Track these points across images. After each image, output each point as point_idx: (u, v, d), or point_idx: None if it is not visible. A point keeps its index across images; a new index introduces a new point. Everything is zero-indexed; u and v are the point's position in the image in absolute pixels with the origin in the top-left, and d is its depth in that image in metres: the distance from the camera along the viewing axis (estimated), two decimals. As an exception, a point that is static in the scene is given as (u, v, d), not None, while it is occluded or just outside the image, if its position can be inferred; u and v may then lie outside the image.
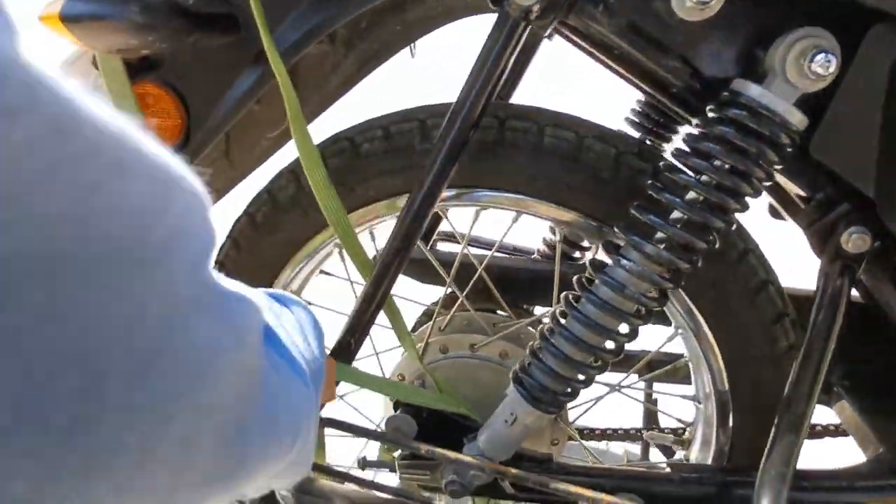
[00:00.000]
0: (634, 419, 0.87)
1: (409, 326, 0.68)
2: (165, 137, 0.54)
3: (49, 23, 0.41)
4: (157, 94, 0.53)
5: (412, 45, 0.68)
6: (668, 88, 0.46)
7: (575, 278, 0.51)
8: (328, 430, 0.56)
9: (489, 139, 0.54)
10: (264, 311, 0.28)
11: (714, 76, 0.43)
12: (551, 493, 0.52)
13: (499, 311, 0.72)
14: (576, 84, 2.06)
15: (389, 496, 0.57)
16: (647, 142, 0.71)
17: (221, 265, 0.67)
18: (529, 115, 0.54)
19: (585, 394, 0.56)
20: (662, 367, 0.72)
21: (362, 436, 0.53)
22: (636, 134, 0.72)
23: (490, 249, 0.69)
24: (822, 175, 0.44)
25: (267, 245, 0.65)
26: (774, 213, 0.60)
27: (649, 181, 0.47)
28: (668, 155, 0.53)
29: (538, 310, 0.77)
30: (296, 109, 0.48)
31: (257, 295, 0.28)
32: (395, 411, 0.58)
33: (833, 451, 0.78)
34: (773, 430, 0.50)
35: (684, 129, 0.71)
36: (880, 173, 0.40)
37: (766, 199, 0.60)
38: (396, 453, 0.62)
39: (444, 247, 0.88)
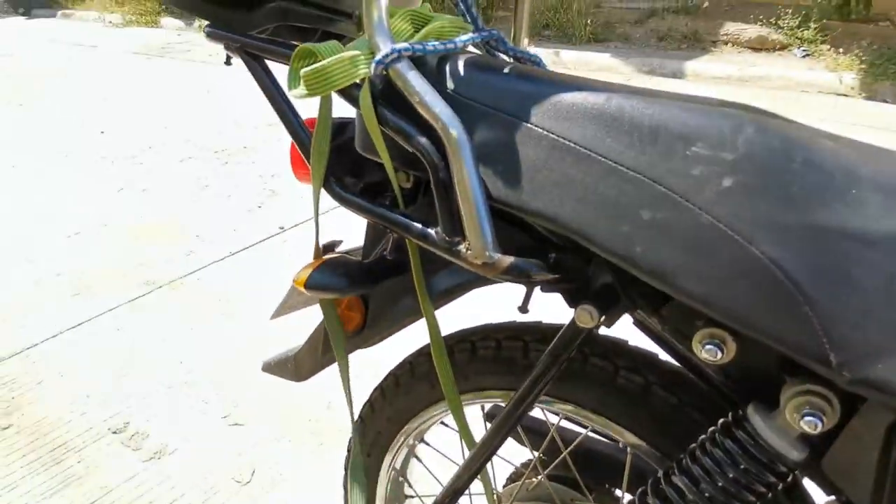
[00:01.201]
0: None
1: (502, 482, 0.84)
2: (349, 325, 0.77)
3: (298, 285, 0.66)
4: (349, 299, 0.76)
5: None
6: (710, 381, 0.57)
7: (650, 481, 0.61)
8: None
9: (575, 366, 0.68)
10: None
11: (740, 389, 0.53)
12: None
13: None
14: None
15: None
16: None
17: (371, 405, 0.89)
18: (608, 355, 0.67)
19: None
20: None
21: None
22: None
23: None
24: (832, 483, 0.51)
25: (403, 400, 0.84)
26: None
27: (693, 444, 0.57)
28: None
29: (619, 491, 0.87)
30: (436, 331, 0.67)
31: None
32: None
33: None
34: None
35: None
36: (873, 501, 0.47)
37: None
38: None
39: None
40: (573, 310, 0.56)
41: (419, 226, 0.57)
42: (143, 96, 4.92)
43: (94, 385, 1.77)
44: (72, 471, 1.47)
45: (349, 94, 0.59)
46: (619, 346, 0.69)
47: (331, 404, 1.66)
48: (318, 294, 0.66)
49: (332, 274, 0.66)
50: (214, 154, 3.67)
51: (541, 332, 0.72)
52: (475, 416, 0.82)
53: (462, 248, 0.53)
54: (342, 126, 0.71)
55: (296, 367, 0.90)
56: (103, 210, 2.95)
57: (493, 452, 0.70)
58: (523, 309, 0.69)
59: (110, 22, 8.38)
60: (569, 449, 0.77)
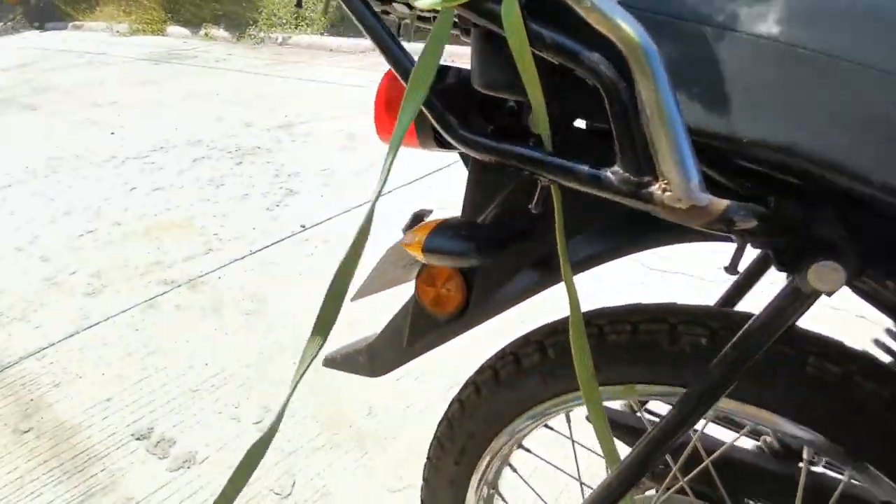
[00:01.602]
0: None
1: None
2: (445, 306, 0.65)
3: (412, 250, 0.54)
4: (448, 273, 0.64)
5: None
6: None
7: None
8: None
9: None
10: None
11: None
12: None
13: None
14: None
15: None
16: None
17: (461, 404, 0.76)
18: (790, 339, 0.55)
19: None
20: None
21: None
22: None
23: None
24: None
25: (504, 397, 0.72)
26: None
27: None
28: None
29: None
30: (577, 306, 0.55)
31: None
32: None
33: None
34: None
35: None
36: None
37: None
38: None
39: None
40: (782, 272, 0.44)
41: (585, 167, 0.46)
42: (151, 100, 4.82)
43: (114, 388, 1.65)
44: (96, 480, 1.35)
45: (485, 8, 0.47)
46: (795, 329, 0.57)
47: (372, 409, 1.53)
48: (440, 261, 0.55)
49: (454, 237, 0.54)
50: (227, 154, 3.56)
51: (686, 313, 0.60)
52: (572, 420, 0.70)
53: (655, 189, 0.42)
54: (441, 71, 0.59)
55: (370, 360, 0.78)
56: (116, 209, 2.83)
57: (647, 469, 0.57)
58: (732, 269, 0.57)
59: (118, 31, 8.33)
60: (712, 457, 0.65)
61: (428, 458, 0.82)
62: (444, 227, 0.55)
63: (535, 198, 0.52)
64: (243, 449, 1.45)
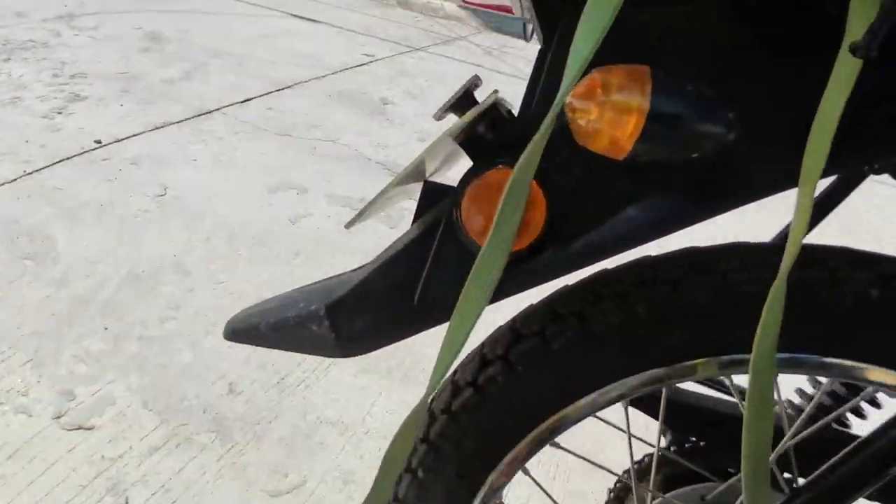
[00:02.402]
0: None
1: None
2: (521, 235, 0.36)
3: (621, 115, 0.24)
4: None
5: None
6: None
7: None
8: None
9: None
10: None
11: None
12: None
13: None
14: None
15: None
16: None
17: (477, 389, 0.48)
18: None
19: None
20: None
21: None
22: None
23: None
24: None
25: (559, 374, 0.46)
26: None
27: None
28: None
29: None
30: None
31: None
32: None
33: None
34: None
35: None
36: None
37: None
38: None
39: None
40: None
41: None
42: None
43: None
44: None
45: None
46: None
47: (233, 386, 1.16)
48: (658, 134, 0.27)
49: (691, 99, 0.27)
50: (-18, 45, 2.68)
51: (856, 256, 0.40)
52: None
53: None
54: None
55: (334, 329, 0.43)
56: None
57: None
58: None
59: None
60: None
61: (412, 474, 0.53)
62: (672, 80, 0.27)
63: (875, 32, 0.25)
64: (41, 457, 1.00)
